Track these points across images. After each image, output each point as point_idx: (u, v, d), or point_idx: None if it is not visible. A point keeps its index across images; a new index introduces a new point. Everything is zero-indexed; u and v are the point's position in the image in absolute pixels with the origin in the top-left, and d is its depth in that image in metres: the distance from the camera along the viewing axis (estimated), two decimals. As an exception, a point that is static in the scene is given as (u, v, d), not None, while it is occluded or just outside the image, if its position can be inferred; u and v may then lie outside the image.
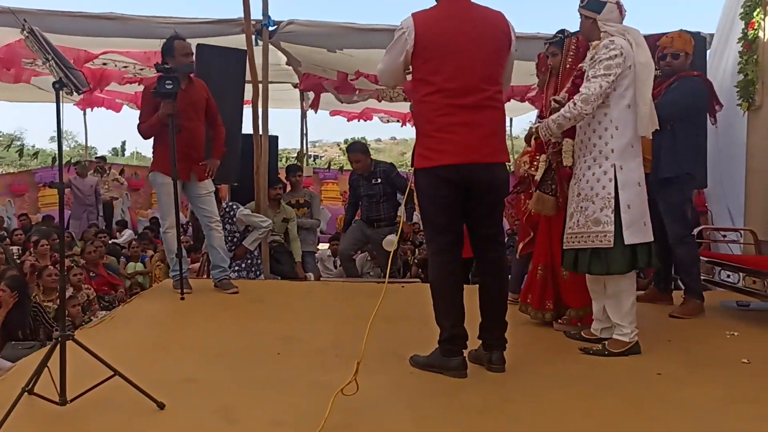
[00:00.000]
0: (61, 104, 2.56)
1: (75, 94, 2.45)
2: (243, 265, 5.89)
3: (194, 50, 5.08)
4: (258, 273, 6.01)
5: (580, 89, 3.26)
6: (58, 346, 2.45)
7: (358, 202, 6.51)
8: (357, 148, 6.46)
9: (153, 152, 4.96)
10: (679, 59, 4.26)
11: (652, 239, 3.34)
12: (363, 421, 2.48)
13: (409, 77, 3.08)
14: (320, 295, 5.15)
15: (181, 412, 2.51)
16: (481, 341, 3.11)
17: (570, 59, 3.81)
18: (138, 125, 4.84)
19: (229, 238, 5.69)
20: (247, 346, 3.51)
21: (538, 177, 3.79)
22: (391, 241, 5.68)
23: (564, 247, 3.47)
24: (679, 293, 4.55)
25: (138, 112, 4.99)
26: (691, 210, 4.49)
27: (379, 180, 6.26)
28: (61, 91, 2.48)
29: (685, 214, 4.30)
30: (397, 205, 6.40)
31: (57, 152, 2.77)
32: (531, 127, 3.91)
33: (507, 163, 3.10)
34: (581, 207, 3.33)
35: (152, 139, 4.90)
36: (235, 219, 5.75)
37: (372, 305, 2.75)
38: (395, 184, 6.30)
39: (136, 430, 2.39)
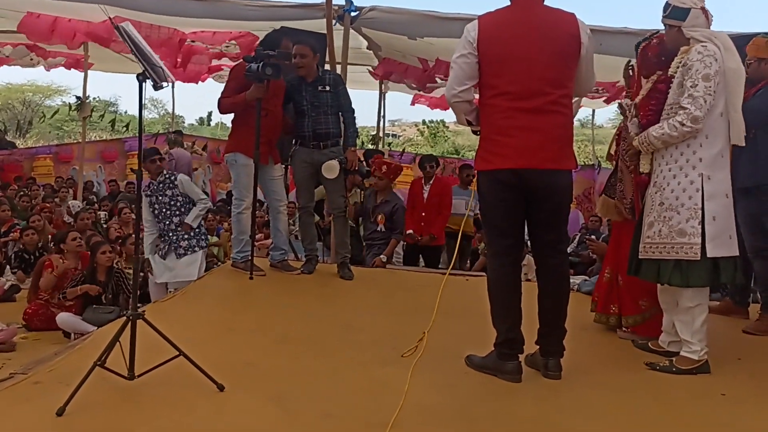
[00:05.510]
0: (143, 93, 2.69)
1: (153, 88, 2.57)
2: (191, 234, 5.48)
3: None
4: (205, 242, 5.62)
5: (684, 105, 3.06)
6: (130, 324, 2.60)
7: (296, 112, 5.06)
8: (308, 43, 5.08)
9: (233, 133, 5.01)
10: (750, 66, 4.04)
11: (737, 254, 3.20)
12: (409, 422, 2.49)
13: (476, 95, 3.05)
14: (384, 283, 5.19)
15: (239, 395, 2.63)
16: (538, 346, 3.09)
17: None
18: (220, 98, 4.84)
19: (172, 203, 5.43)
20: (309, 332, 3.60)
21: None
22: (332, 167, 4.93)
23: (640, 257, 3.33)
24: (757, 307, 4.35)
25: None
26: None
27: (327, 88, 4.97)
28: (143, 83, 2.61)
29: (763, 226, 4.10)
30: (339, 124, 5.09)
31: (138, 133, 2.91)
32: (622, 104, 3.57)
33: (572, 170, 3.04)
34: (664, 217, 3.19)
35: (232, 119, 4.98)
36: (176, 182, 5.46)
37: (434, 297, 2.76)
38: (340, 99, 5.02)
39: (196, 409, 2.51)
